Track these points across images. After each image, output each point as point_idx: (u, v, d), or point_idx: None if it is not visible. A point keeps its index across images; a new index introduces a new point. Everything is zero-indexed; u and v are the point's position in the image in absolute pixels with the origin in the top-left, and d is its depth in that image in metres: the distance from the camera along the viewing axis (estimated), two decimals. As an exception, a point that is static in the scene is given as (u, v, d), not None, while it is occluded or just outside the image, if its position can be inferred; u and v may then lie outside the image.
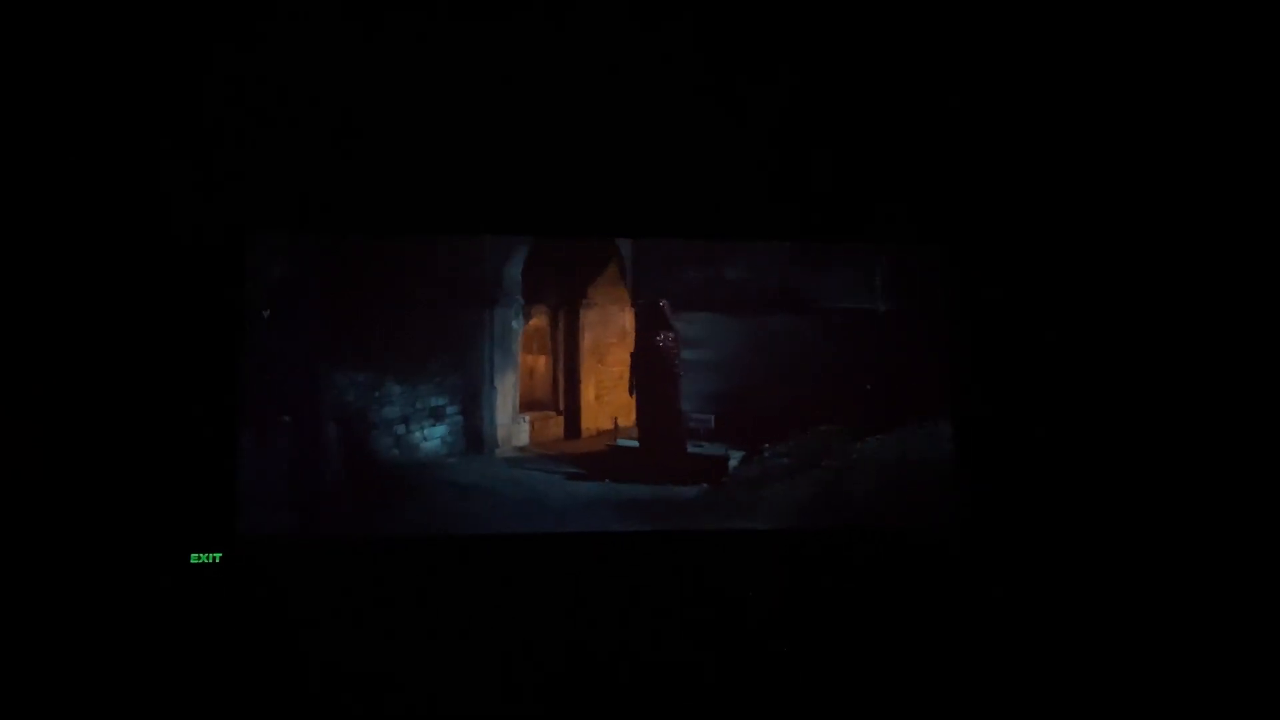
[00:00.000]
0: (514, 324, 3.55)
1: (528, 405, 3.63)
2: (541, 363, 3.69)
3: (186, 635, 3.00)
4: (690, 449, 3.54)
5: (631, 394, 3.57)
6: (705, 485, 3.47)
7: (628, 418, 3.57)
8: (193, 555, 3.04)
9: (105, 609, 2.98)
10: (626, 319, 3.59)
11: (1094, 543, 3.45)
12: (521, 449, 3.57)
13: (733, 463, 3.52)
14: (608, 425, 3.61)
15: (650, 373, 3.56)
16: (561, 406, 3.66)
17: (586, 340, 3.64)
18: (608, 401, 3.63)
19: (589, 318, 3.64)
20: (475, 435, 3.49)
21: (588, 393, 3.65)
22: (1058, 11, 3.52)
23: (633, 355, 3.58)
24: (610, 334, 3.62)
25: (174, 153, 3.23)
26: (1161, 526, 3.44)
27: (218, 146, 3.26)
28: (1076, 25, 3.53)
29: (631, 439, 3.57)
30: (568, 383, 3.67)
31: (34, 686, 2.86)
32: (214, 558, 3.04)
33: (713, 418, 3.54)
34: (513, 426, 3.56)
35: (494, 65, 3.39)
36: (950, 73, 3.58)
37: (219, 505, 3.10)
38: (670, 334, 3.55)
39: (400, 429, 3.36)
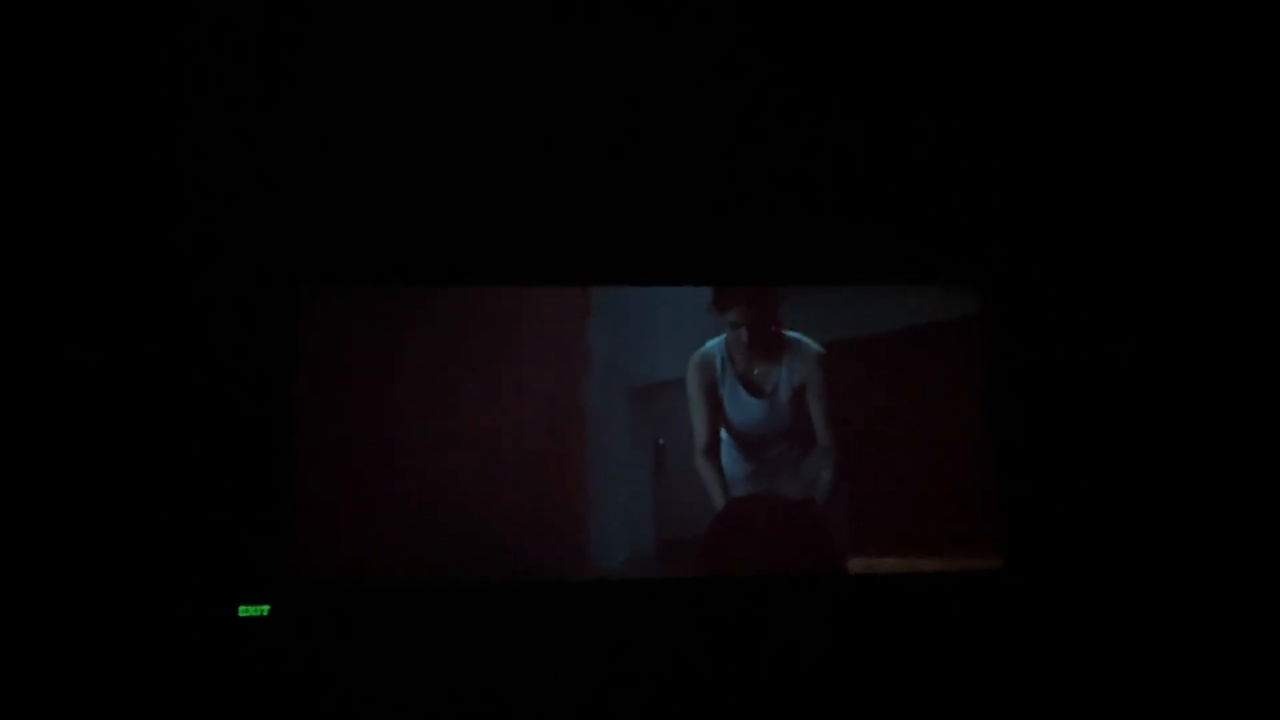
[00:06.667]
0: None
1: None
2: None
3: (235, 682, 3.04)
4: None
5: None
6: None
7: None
8: (240, 608, 3.07)
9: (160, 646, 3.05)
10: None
11: (1150, 581, 3.34)
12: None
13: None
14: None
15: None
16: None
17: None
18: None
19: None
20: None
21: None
22: (1104, 40, 3.47)
23: None
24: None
25: (225, 203, 3.29)
26: (1224, 562, 3.32)
27: (268, 196, 3.32)
28: (1123, 55, 3.48)
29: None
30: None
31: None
32: (262, 611, 3.07)
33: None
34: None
35: (552, 110, 3.40)
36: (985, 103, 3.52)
37: (272, 553, 3.12)
38: None
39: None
